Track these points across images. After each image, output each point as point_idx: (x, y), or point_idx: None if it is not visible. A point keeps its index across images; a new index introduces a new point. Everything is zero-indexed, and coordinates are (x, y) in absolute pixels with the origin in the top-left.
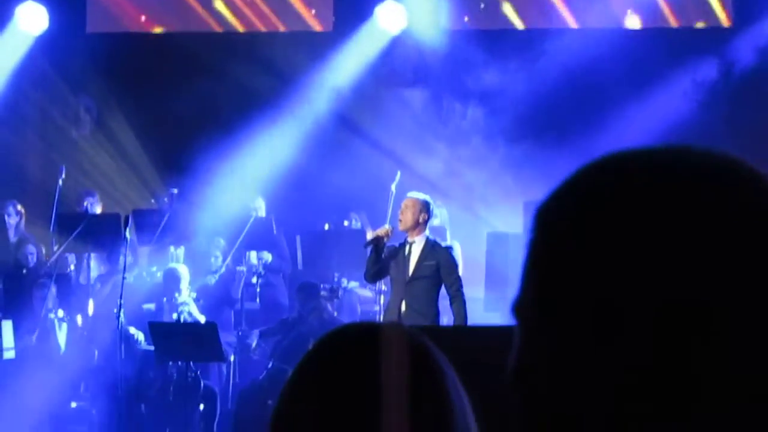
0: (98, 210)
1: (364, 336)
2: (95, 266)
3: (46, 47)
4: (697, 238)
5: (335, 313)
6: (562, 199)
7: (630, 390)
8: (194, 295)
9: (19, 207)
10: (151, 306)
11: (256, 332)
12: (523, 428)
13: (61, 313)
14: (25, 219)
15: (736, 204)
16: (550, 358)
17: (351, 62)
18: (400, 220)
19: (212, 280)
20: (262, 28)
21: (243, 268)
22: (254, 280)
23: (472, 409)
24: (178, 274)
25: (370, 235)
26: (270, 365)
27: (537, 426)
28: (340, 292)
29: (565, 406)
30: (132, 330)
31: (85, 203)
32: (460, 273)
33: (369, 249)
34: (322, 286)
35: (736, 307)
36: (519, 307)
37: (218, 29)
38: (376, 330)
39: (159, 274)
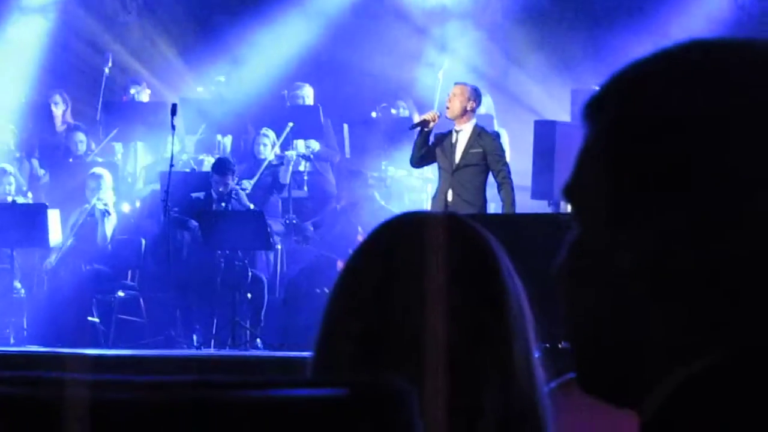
0: (145, 98)
1: (418, 224)
2: (142, 155)
3: None
4: None
5: (383, 202)
6: (633, 90)
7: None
8: (245, 184)
9: (65, 95)
10: (200, 194)
11: (309, 224)
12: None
13: (109, 200)
14: (72, 107)
15: None
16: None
17: None
18: (448, 108)
19: (248, 184)
20: None
21: (292, 153)
22: (302, 167)
23: (524, 289)
24: (227, 163)
25: (417, 120)
26: (318, 253)
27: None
28: (388, 181)
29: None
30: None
31: (131, 91)
32: (508, 161)
33: (416, 133)
34: (369, 174)
35: None
36: (573, 191)
37: None
38: (430, 218)
39: (207, 163)
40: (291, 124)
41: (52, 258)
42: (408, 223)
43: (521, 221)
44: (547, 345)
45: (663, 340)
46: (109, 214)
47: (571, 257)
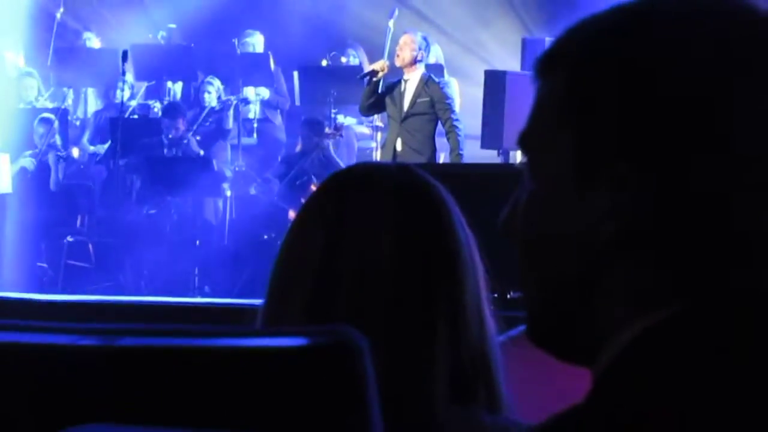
0: (96, 45)
1: (368, 175)
2: (92, 101)
3: None
4: None
5: (333, 150)
6: (598, 39)
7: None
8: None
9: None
10: (151, 140)
11: (261, 179)
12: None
13: (59, 146)
14: (24, 54)
15: None
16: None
17: None
18: (398, 56)
19: (209, 114)
20: None
21: (233, 98)
22: (251, 114)
23: (475, 239)
24: (178, 107)
25: (367, 69)
26: (269, 202)
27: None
28: (342, 131)
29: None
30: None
31: (83, 37)
32: (457, 110)
33: (365, 82)
34: (326, 123)
35: None
36: (530, 142)
37: None
38: (380, 169)
39: (156, 109)
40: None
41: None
42: (358, 175)
43: (472, 171)
44: (496, 295)
45: (624, 295)
46: (60, 159)
47: (528, 209)
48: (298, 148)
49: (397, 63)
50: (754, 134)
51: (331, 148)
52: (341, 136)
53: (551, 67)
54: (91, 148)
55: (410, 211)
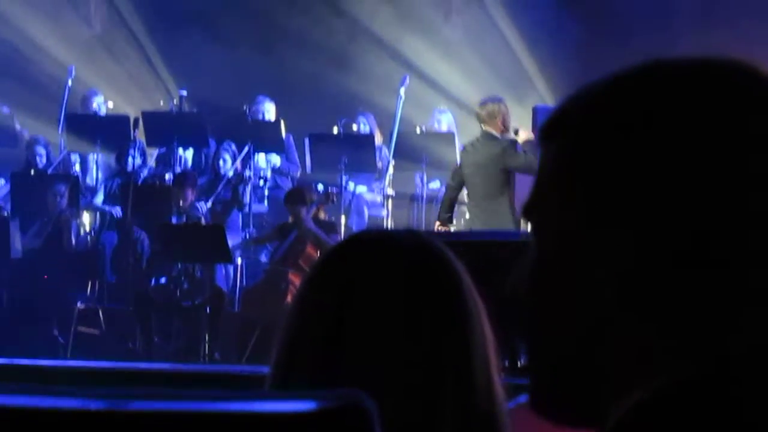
0: (107, 111)
1: (378, 242)
2: (103, 167)
3: None
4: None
5: (323, 215)
6: (598, 105)
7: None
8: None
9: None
10: (161, 207)
11: (246, 241)
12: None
13: (70, 213)
14: (35, 119)
15: None
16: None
17: None
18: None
19: (221, 181)
20: None
21: (250, 173)
22: (262, 182)
23: (485, 308)
24: (188, 177)
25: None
26: (269, 268)
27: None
28: (333, 197)
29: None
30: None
31: (94, 103)
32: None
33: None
34: (315, 191)
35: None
36: (535, 210)
37: None
38: (390, 236)
39: (167, 176)
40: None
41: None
42: (367, 242)
43: (481, 239)
44: (506, 362)
45: (629, 357)
46: (71, 225)
47: (534, 275)
48: (291, 219)
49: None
50: (754, 199)
51: (326, 216)
52: (333, 202)
53: (552, 134)
54: (98, 215)
55: (419, 278)
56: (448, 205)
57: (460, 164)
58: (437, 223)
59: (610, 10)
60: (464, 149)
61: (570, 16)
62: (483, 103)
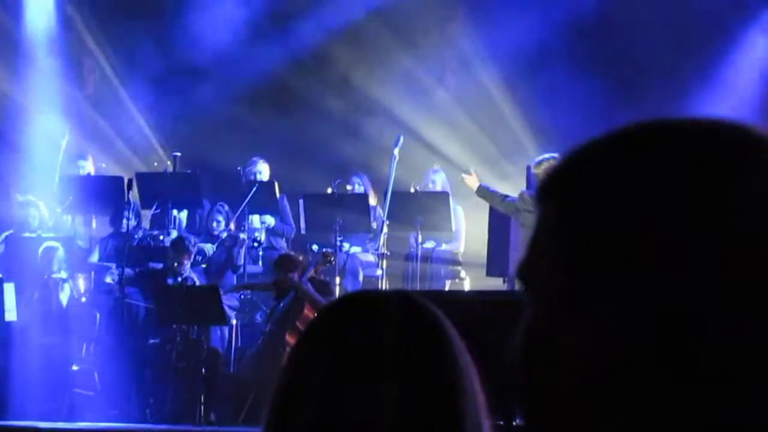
0: (101, 172)
1: (367, 305)
2: (97, 228)
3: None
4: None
5: (322, 276)
6: (586, 169)
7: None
8: (198, 259)
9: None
10: (157, 268)
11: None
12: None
13: (64, 274)
14: (29, 180)
15: None
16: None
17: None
18: None
19: (211, 249)
20: None
21: (244, 236)
22: (256, 243)
23: (476, 369)
24: (184, 243)
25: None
26: (267, 329)
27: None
28: (331, 258)
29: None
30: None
31: (88, 165)
32: (464, 238)
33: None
34: (310, 251)
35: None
36: (528, 272)
37: None
38: (380, 299)
39: (162, 237)
40: (246, 199)
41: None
42: (358, 304)
43: (475, 299)
44: (501, 423)
45: (621, 419)
46: (64, 287)
47: (527, 340)
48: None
49: None
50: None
51: (322, 276)
52: (331, 262)
53: (545, 196)
54: (93, 276)
55: (410, 340)
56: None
57: (524, 201)
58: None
59: (606, 71)
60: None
61: (565, 76)
62: (538, 162)
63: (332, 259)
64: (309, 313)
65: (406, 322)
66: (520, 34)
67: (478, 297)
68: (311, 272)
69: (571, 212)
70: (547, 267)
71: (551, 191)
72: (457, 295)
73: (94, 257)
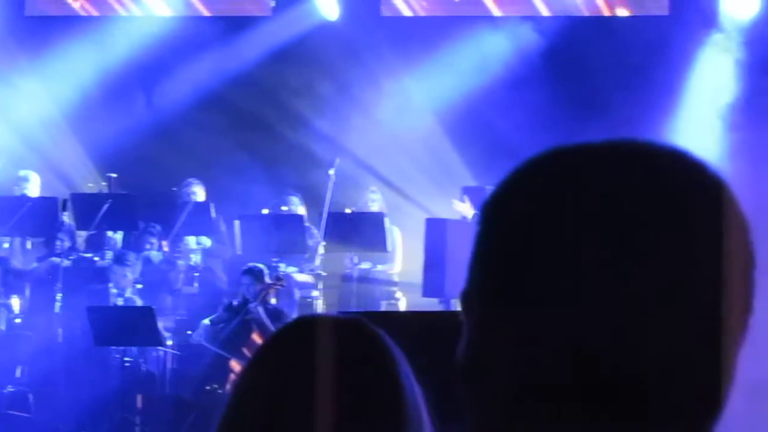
0: (36, 193)
1: (312, 330)
2: (31, 250)
3: None
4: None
5: (275, 300)
6: (509, 194)
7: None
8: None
9: None
10: (97, 288)
11: (205, 322)
12: (471, 413)
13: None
14: None
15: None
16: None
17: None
18: None
19: (151, 263)
20: (206, 13)
21: (182, 262)
22: (192, 263)
23: (423, 394)
24: (126, 257)
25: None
26: (211, 351)
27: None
28: (284, 281)
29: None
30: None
31: (22, 186)
32: (400, 259)
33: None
34: (266, 272)
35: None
36: (466, 298)
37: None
38: (325, 323)
39: (96, 259)
40: (180, 220)
41: None
42: (301, 331)
43: (421, 318)
44: None
45: None
46: (0, 308)
47: (460, 358)
48: (240, 297)
49: None
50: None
51: (273, 298)
52: (283, 286)
53: (478, 219)
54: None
55: (354, 365)
56: None
57: None
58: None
59: (545, 95)
60: None
61: (504, 95)
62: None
63: (284, 283)
64: (257, 338)
65: (349, 347)
66: (459, 70)
67: (422, 316)
68: (262, 295)
69: (481, 235)
70: (468, 289)
71: (482, 214)
72: (402, 315)
73: (27, 285)
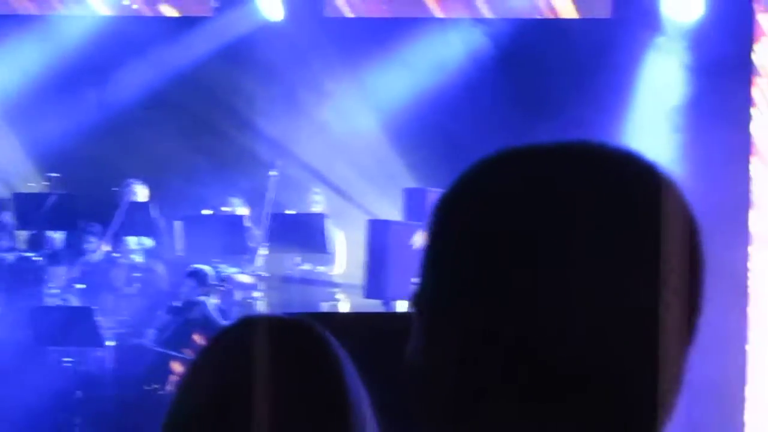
0: None
1: (255, 332)
2: None
3: None
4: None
5: (217, 302)
6: (461, 195)
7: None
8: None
9: None
10: (35, 290)
11: (152, 331)
12: (419, 412)
13: None
14: None
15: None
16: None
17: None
18: None
19: (91, 264)
20: (149, 12)
21: (119, 254)
22: (133, 263)
23: (368, 396)
24: (66, 260)
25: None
26: (151, 352)
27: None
28: (227, 283)
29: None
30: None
31: None
32: (342, 260)
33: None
34: (212, 275)
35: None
36: (417, 300)
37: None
38: (271, 324)
39: (37, 258)
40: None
41: None
42: (246, 330)
43: (366, 320)
44: None
45: None
46: None
47: (408, 359)
48: (183, 298)
49: None
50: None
51: (216, 299)
52: (226, 288)
53: (432, 219)
54: None
55: (298, 366)
56: None
57: None
58: None
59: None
60: None
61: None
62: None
63: (228, 285)
64: (198, 339)
65: (295, 353)
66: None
67: (367, 317)
68: (205, 297)
69: (433, 236)
70: (419, 289)
71: (431, 217)
72: (346, 316)
73: None
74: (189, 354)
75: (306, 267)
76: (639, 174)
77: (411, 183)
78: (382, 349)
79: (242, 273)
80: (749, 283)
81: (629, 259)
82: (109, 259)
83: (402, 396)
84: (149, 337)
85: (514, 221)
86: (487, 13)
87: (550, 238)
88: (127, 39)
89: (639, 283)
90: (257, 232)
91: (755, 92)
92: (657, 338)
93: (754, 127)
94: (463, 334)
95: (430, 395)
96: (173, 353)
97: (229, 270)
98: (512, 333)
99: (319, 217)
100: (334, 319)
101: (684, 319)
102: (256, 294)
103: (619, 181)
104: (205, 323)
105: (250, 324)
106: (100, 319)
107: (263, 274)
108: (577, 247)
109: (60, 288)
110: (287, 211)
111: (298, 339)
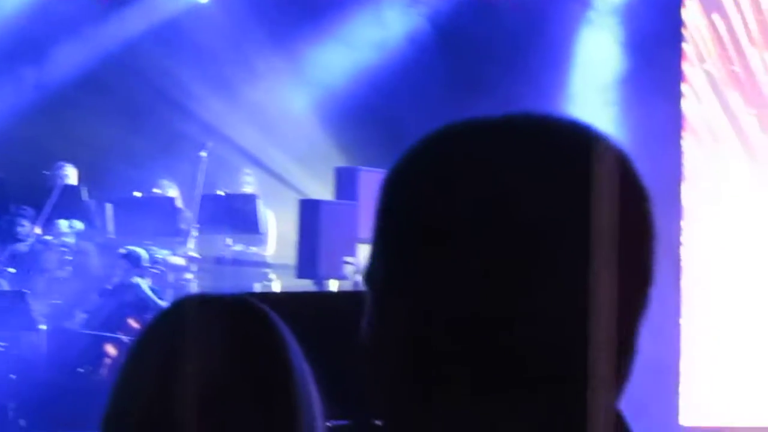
0: None
1: (199, 308)
2: None
3: None
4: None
5: (150, 283)
6: (406, 171)
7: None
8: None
9: None
10: None
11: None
12: (370, 392)
13: None
14: None
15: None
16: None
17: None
18: None
19: (22, 247)
20: None
21: (50, 237)
22: (64, 246)
23: (311, 373)
24: None
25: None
26: (85, 334)
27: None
28: (161, 266)
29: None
30: None
31: None
32: (273, 241)
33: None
34: (146, 257)
35: None
36: (368, 278)
37: None
38: (213, 302)
39: None
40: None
41: None
42: (188, 310)
43: (311, 300)
44: (329, 424)
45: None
46: None
47: (362, 336)
48: (116, 280)
49: None
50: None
51: (149, 281)
52: (160, 270)
53: (379, 196)
54: None
55: (241, 345)
56: None
57: None
58: None
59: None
60: None
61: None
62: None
63: (162, 267)
64: (133, 322)
65: (238, 327)
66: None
67: (312, 297)
68: (138, 280)
69: (380, 213)
70: (369, 267)
71: (379, 194)
72: (291, 296)
73: None
74: (123, 336)
75: (238, 248)
76: (589, 145)
77: (345, 163)
78: (323, 329)
79: (174, 255)
80: (682, 257)
81: (581, 231)
82: (40, 242)
83: (347, 374)
84: (82, 319)
85: (462, 198)
86: None
87: (499, 214)
88: (57, 18)
89: (590, 254)
90: (188, 214)
91: (686, 66)
92: (609, 309)
93: (685, 102)
94: (413, 313)
95: (382, 375)
96: (107, 335)
97: (162, 252)
98: (464, 313)
99: (250, 198)
100: (273, 298)
101: (636, 288)
102: (188, 276)
103: (566, 151)
104: (139, 305)
105: (190, 304)
106: (33, 303)
107: (195, 255)
108: (527, 220)
109: None
110: (218, 192)
111: (241, 318)
